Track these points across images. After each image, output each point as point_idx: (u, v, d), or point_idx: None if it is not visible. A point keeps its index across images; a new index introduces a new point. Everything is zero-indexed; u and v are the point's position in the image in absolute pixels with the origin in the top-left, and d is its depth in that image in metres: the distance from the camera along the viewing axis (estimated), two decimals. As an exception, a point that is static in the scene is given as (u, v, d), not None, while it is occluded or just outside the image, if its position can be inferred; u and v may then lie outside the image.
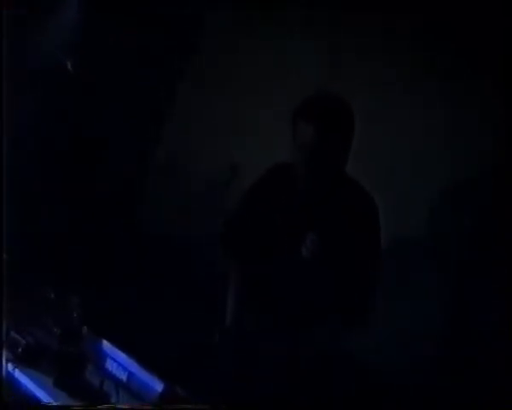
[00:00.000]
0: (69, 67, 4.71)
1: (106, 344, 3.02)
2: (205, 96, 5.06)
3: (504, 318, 3.72)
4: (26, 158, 4.38)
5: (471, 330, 3.87)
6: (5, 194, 2.59)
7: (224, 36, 5.05)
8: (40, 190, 4.73)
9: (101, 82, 5.02)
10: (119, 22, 4.99)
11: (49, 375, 2.82)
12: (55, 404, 2.63)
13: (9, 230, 2.60)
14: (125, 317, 3.93)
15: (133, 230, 4.95)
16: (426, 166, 4.13)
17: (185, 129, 5.15)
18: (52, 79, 4.81)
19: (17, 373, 2.81)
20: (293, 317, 3.23)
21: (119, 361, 2.97)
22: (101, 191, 5.03)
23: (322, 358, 3.35)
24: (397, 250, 4.14)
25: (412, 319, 3.95)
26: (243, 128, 4.77)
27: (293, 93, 3.36)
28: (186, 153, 5.06)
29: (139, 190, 5.30)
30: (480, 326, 3.83)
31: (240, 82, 4.89)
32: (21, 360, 2.86)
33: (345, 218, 3.10)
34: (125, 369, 2.94)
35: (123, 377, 2.92)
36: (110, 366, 2.98)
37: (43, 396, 2.71)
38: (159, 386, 2.81)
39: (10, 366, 2.81)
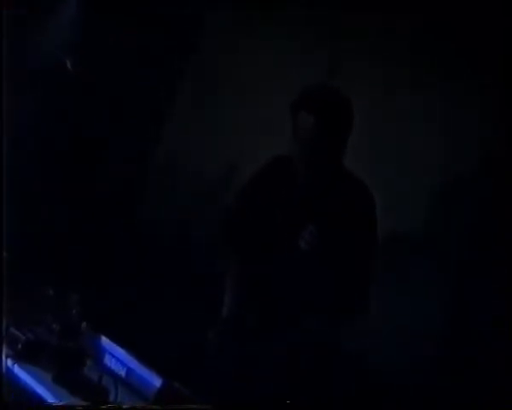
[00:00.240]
0: (69, 66, 4.70)
1: (105, 340, 3.04)
2: (205, 96, 5.06)
3: (504, 318, 3.72)
4: (26, 158, 4.38)
5: (471, 330, 3.87)
6: (5, 193, 2.59)
7: (223, 36, 5.05)
8: (40, 189, 4.73)
9: (101, 82, 5.02)
10: (119, 22, 4.99)
11: (49, 371, 2.83)
12: (59, 404, 2.63)
13: (9, 228, 2.61)
14: (123, 313, 3.94)
15: (133, 228, 4.95)
16: (426, 166, 4.13)
17: (185, 129, 5.14)
18: (52, 79, 4.82)
19: (17, 369, 2.82)
20: (292, 310, 3.25)
21: (117, 357, 2.98)
22: (101, 191, 5.03)
23: (322, 357, 3.35)
24: (397, 250, 4.14)
25: (412, 319, 3.95)
26: (243, 128, 4.77)
27: (293, 93, 3.36)
28: (186, 153, 5.06)
29: (139, 190, 5.29)
30: (479, 326, 3.82)
31: (240, 82, 4.89)
32: (21, 356, 2.88)
33: (342, 210, 3.13)
34: (123, 365, 2.94)
35: (122, 372, 2.93)
36: (109, 361, 2.99)
37: (43, 392, 2.72)
38: (157, 382, 2.82)
39: (10, 362, 2.82)
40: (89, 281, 3.96)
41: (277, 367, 3.25)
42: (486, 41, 3.96)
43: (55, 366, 2.83)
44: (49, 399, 2.70)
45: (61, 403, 2.63)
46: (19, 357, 2.87)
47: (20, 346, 2.90)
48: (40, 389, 2.74)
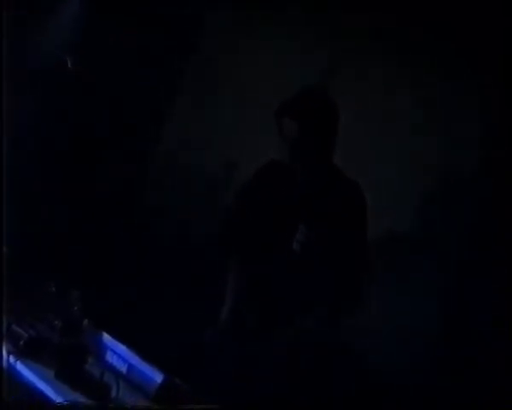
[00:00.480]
0: (70, 66, 4.70)
1: (106, 337, 3.05)
2: (205, 96, 5.06)
3: (504, 318, 3.72)
4: (26, 158, 4.38)
5: (471, 330, 3.87)
6: (5, 192, 2.59)
7: (224, 36, 5.04)
8: (41, 187, 4.74)
9: (101, 82, 5.02)
10: (119, 22, 4.99)
11: (51, 367, 2.84)
12: (63, 403, 2.65)
13: (11, 225, 2.61)
14: (125, 311, 3.95)
15: (133, 226, 4.95)
16: (426, 166, 4.13)
17: (185, 129, 5.14)
18: (52, 78, 4.81)
19: (19, 366, 2.83)
20: (290, 309, 3.29)
21: (119, 353, 2.99)
22: (101, 191, 5.03)
23: (322, 357, 3.36)
24: (396, 250, 4.14)
25: (412, 319, 3.95)
26: (243, 128, 4.77)
27: (292, 93, 3.37)
28: (186, 153, 5.06)
29: (139, 190, 5.30)
30: (479, 326, 3.82)
31: (240, 82, 4.89)
32: (23, 353, 2.89)
33: (334, 210, 3.18)
34: (124, 361, 2.96)
35: (123, 368, 2.95)
36: (110, 357, 3.00)
37: (45, 388, 2.73)
38: (158, 377, 2.83)
39: (12, 359, 2.83)
40: (90, 278, 3.97)
41: (277, 367, 3.26)
42: (486, 41, 3.96)
43: (57, 363, 2.84)
44: (51, 395, 2.71)
45: (65, 402, 2.64)
46: (21, 354, 2.88)
47: (22, 343, 2.91)
48: (42, 386, 2.76)
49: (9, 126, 2.65)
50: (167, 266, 4.60)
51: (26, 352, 2.90)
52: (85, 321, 3.11)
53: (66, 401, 2.65)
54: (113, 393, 2.77)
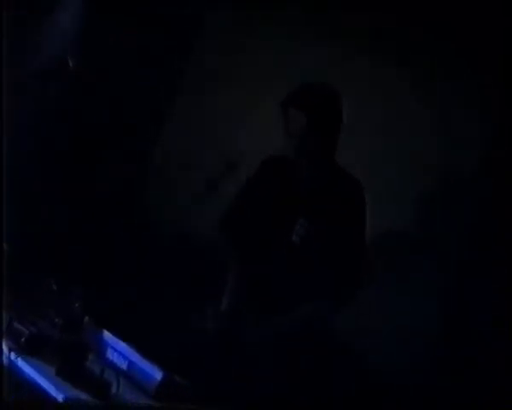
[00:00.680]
0: (69, 66, 4.70)
1: (107, 334, 3.07)
2: (205, 96, 5.06)
3: (504, 318, 3.72)
4: (26, 156, 4.38)
5: (471, 330, 3.87)
6: (5, 191, 2.59)
7: (223, 36, 5.04)
8: (41, 187, 4.74)
9: (101, 82, 5.02)
10: (119, 22, 4.99)
11: (52, 364, 2.84)
12: (65, 401, 2.67)
13: (11, 223, 2.62)
14: (125, 308, 3.97)
15: (133, 224, 4.95)
16: (426, 165, 4.13)
17: (185, 129, 5.14)
18: (52, 79, 4.81)
19: (20, 362, 2.84)
20: (290, 302, 3.31)
21: (119, 350, 3.01)
22: (101, 191, 5.03)
23: (322, 357, 3.36)
24: (397, 249, 4.14)
25: (412, 319, 3.95)
26: (243, 128, 4.77)
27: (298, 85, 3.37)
28: (186, 153, 5.06)
29: (139, 190, 5.29)
30: (479, 326, 3.82)
31: (240, 82, 4.89)
32: (24, 350, 2.90)
33: (334, 205, 3.22)
34: (125, 358, 2.98)
35: (123, 365, 2.97)
36: (111, 355, 3.02)
37: (46, 385, 2.74)
38: (158, 375, 2.85)
39: (13, 356, 2.84)
40: (91, 276, 3.98)
41: (277, 367, 3.27)
42: (486, 41, 3.97)
43: (58, 360, 2.85)
44: (52, 392, 2.72)
45: (65, 399, 2.66)
46: (22, 351, 2.89)
47: (23, 340, 2.93)
48: (43, 382, 2.76)
49: (9, 126, 2.65)
50: (167, 264, 4.60)
51: (28, 349, 2.91)
52: (86, 319, 3.13)
53: (66, 397, 2.66)
54: (114, 390, 2.78)
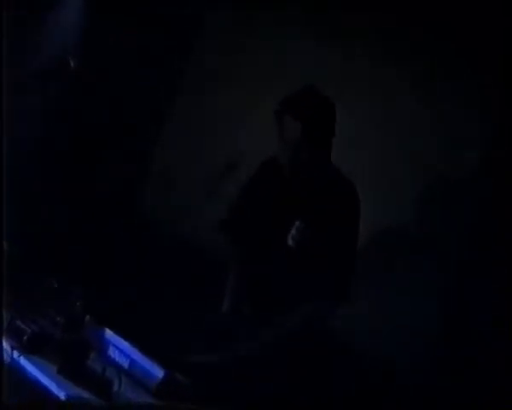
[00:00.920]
0: (72, 66, 4.70)
1: (108, 332, 3.09)
2: (205, 96, 5.06)
3: (504, 318, 3.72)
4: (26, 156, 4.38)
5: (471, 330, 3.87)
6: (5, 191, 2.60)
7: (224, 36, 5.04)
8: (41, 186, 4.74)
9: (101, 82, 5.02)
10: (119, 22, 4.99)
11: (54, 362, 2.87)
12: (67, 399, 2.68)
13: (12, 223, 2.62)
14: (126, 306, 3.98)
15: (133, 224, 4.95)
16: (426, 166, 4.13)
17: (185, 129, 5.14)
18: (52, 78, 4.81)
19: (22, 361, 2.87)
20: (288, 302, 3.35)
21: (120, 349, 3.03)
22: (101, 191, 5.03)
23: (322, 357, 3.37)
24: (397, 249, 4.14)
25: (412, 319, 3.95)
26: (243, 128, 4.77)
27: (291, 92, 3.37)
28: (186, 153, 5.06)
29: (139, 190, 5.29)
30: (479, 326, 3.82)
31: (240, 82, 4.89)
32: (27, 349, 2.93)
33: (329, 208, 3.26)
34: (126, 356, 3.00)
35: (125, 364, 2.99)
36: (112, 353, 3.04)
37: (48, 383, 2.77)
38: (159, 373, 2.88)
39: (16, 354, 2.87)
40: (92, 275, 3.99)
41: (277, 366, 3.27)
42: (486, 41, 3.97)
43: (60, 358, 2.88)
44: (54, 390, 2.75)
45: (67, 397, 2.67)
46: (25, 349, 2.92)
47: (25, 338, 2.95)
48: (45, 381, 2.79)
49: (9, 126, 2.66)
50: (168, 263, 4.60)
51: (30, 348, 2.93)
52: (87, 317, 3.14)
53: (68, 395, 2.67)
54: (115, 388, 2.81)
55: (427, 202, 4.14)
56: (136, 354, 2.97)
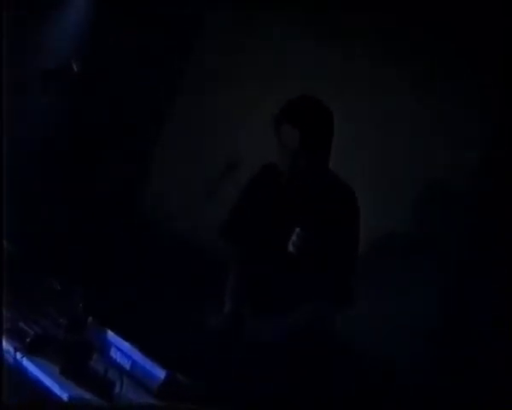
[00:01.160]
0: (74, 67, 4.70)
1: (110, 334, 3.10)
2: (205, 96, 5.06)
3: (504, 318, 3.72)
4: (26, 156, 4.38)
5: (471, 330, 3.87)
6: (5, 191, 2.60)
7: (224, 36, 5.04)
8: (41, 186, 4.74)
9: (101, 82, 5.02)
10: (119, 22, 4.99)
11: (56, 363, 2.88)
12: (69, 401, 2.69)
13: (12, 221, 2.63)
14: (128, 308, 3.99)
15: (133, 224, 4.95)
16: (426, 166, 4.13)
17: (185, 129, 5.14)
18: (52, 79, 4.80)
19: (25, 362, 2.88)
20: (287, 305, 3.37)
21: (122, 350, 3.04)
22: (101, 191, 5.03)
23: (322, 357, 3.37)
24: (396, 250, 4.14)
25: (412, 319, 3.95)
26: (243, 128, 4.77)
27: (293, 94, 3.37)
28: (186, 153, 5.06)
29: (139, 190, 5.30)
30: (479, 326, 3.82)
31: (240, 82, 4.89)
32: (29, 350, 2.94)
33: (328, 213, 3.28)
34: (128, 357, 3.01)
35: (127, 365, 3.00)
36: (114, 354, 3.05)
37: (51, 384, 2.78)
38: (161, 374, 2.89)
39: (19, 355, 2.88)
40: (94, 276, 3.99)
41: (277, 367, 3.28)
42: (486, 41, 3.97)
43: (62, 359, 2.89)
44: (57, 391, 2.76)
45: (71, 398, 2.68)
46: (27, 350, 2.93)
47: (28, 340, 2.96)
48: (48, 382, 2.80)
49: (9, 126, 2.66)
50: (168, 264, 4.60)
51: (32, 349, 2.94)
52: (90, 318, 3.15)
53: (70, 396, 2.68)
54: (117, 389, 2.81)
55: (427, 202, 4.14)
56: (138, 356, 2.98)
